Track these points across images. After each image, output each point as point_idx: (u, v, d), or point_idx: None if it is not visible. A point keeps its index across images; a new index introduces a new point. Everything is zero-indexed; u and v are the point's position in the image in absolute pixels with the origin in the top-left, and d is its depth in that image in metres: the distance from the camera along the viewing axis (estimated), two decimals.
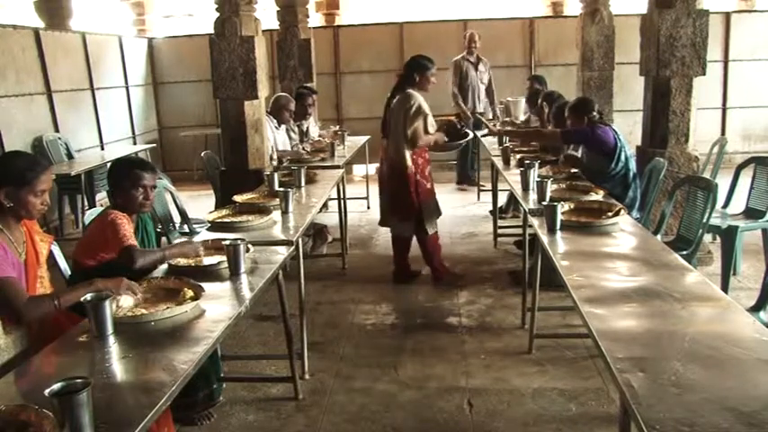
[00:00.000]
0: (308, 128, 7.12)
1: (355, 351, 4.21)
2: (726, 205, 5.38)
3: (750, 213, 5.14)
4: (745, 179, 5.29)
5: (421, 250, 5.33)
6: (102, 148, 8.93)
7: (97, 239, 3.04)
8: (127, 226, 3.05)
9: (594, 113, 4.77)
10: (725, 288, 4.45)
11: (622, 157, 4.59)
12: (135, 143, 9.97)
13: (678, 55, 5.24)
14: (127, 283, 2.60)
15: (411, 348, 4.20)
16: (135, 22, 12.27)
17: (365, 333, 4.49)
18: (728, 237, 4.83)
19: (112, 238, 2.98)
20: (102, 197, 7.96)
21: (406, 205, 5.12)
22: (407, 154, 5.05)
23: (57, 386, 1.67)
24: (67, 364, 2.15)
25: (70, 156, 7.79)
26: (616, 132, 4.69)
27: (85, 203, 7.33)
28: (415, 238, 5.30)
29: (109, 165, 3.37)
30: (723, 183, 4.75)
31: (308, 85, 8.14)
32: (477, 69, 8.60)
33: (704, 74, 5.33)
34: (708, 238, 5.56)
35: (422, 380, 3.77)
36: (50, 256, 3.15)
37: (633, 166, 4.69)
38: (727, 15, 10.10)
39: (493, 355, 4.03)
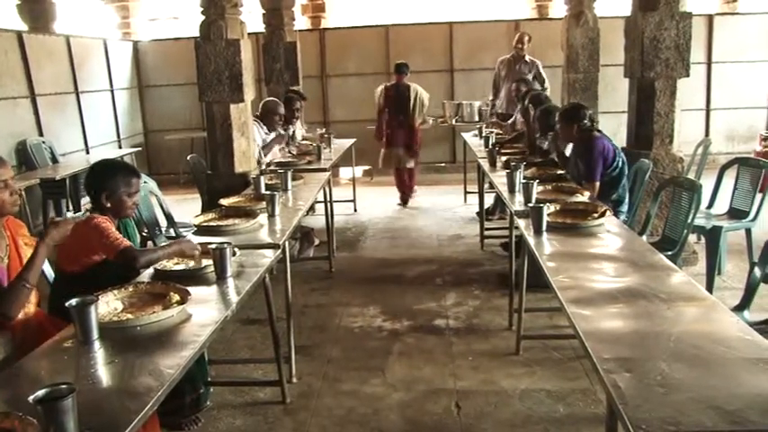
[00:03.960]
0: (294, 131, 7.10)
1: (343, 354, 4.20)
2: (710, 206, 5.42)
3: (734, 214, 5.19)
4: (729, 180, 5.34)
5: (411, 177, 8.40)
6: (88, 152, 8.88)
7: (81, 245, 3.00)
8: (113, 229, 3.03)
9: (585, 121, 4.69)
10: (710, 288, 4.48)
11: (619, 164, 4.61)
12: (120, 147, 9.92)
13: (662, 57, 5.28)
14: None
15: (399, 351, 4.19)
16: (120, 25, 12.19)
17: (353, 336, 4.48)
18: (713, 237, 4.87)
19: (98, 242, 2.95)
20: (86, 202, 7.91)
21: (416, 147, 8.35)
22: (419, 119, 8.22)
23: (41, 392, 1.65)
24: (52, 369, 2.13)
25: (55, 160, 7.73)
26: (609, 139, 4.70)
27: (70, 208, 7.27)
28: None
29: (95, 167, 3.28)
30: (707, 183, 4.77)
31: (296, 89, 8.11)
32: (519, 70, 8.26)
33: (688, 75, 5.37)
34: (693, 238, 5.60)
35: (410, 382, 3.77)
36: None
37: (626, 169, 4.70)
38: (710, 18, 10.19)
39: (480, 357, 4.04)
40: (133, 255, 2.91)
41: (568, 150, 5.31)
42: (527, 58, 8.32)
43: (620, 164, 4.61)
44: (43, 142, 7.68)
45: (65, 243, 2.94)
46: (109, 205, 3.13)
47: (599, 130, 4.79)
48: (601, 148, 4.57)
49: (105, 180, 3.14)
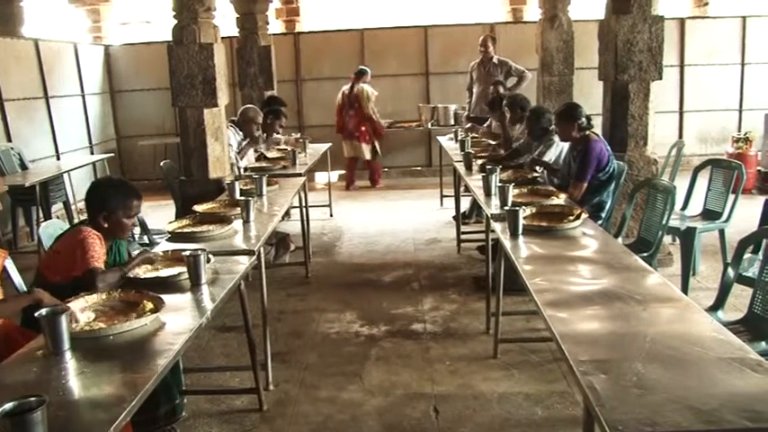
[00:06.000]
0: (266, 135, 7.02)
1: (320, 360, 4.17)
2: (684, 207, 5.48)
3: (707, 215, 5.25)
4: (703, 181, 5.40)
5: (375, 170, 9.98)
6: (58, 159, 8.74)
7: (68, 257, 2.93)
8: (98, 246, 2.95)
9: (583, 120, 4.63)
10: (684, 289, 4.53)
11: (610, 170, 4.62)
12: (92, 153, 9.78)
13: (635, 60, 5.33)
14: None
15: (376, 356, 4.18)
16: (91, 29, 12.05)
17: (329, 341, 4.45)
18: (687, 238, 4.91)
19: (81, 256, 2.89)
20: (57, 209, 7.80)
21: (375, 137, 9.78)
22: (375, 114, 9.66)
23: (8, 406, 1.61)
24: (21, 382, 2.07)
25: (24, 166, 7.60)
26: (605, 143, 4.70)
27: (40, 215, 7.15)
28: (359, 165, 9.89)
29: (96, 184, 3.22)
30: (681, 185, 4.83)
31: (273, 93, 8.04)
32: (487, 73, 8.33)
33: (661, 78, 5.43)
34: (668, 239, 5.66)
35: (387, 387, 3.75)
36: (4, 270, 3.07)
37: (614, 175, 4.71)
38: (682, 21, 10.33)
39: (458, 361, 4.04)
40: (94, 278, 2.84)
41: (552, 155, 5.33)
42: (495, 59, 8.36)
43: (611, 170, 4.63)
44: (11, 148, 7.53)
45: (51, 251, 2.88)
46: (106, 226, 3.08)
47: (595, 133, 4.77)
48: (598, 150, 4.59)
49: (105, 200, 3.09)
